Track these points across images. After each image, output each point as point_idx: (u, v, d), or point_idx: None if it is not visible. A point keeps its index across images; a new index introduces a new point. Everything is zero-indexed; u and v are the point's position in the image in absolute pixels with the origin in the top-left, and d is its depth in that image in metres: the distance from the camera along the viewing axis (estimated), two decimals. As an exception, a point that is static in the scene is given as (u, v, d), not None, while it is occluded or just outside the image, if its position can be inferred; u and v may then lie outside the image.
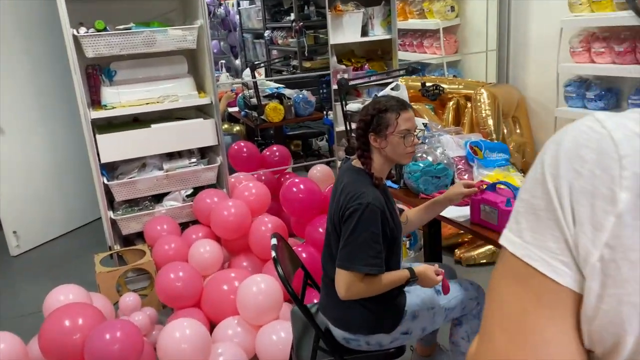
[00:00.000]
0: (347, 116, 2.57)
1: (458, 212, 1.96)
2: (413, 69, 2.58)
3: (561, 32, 3.30)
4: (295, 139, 5.69)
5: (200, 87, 3.39)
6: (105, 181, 3.08)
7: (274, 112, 4.04)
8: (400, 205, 2.07)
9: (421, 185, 2.17)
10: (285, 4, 6.75)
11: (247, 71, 4.33)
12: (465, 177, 2.19)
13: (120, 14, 3.21)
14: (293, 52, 6.55)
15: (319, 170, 4.04)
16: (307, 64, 6.17)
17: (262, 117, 4.09)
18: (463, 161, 2.23)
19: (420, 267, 1.75)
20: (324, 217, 2.88)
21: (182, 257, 2.97)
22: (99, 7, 3.19)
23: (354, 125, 2.57)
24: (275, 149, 4.00)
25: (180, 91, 3.26)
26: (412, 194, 2.23)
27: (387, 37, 3.62)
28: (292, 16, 6.22)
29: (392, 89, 2.45)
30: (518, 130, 3.72)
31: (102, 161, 3.04)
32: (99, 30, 2.94)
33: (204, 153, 3.46)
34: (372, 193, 1.71)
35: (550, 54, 3.55)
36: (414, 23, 4.62)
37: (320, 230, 2.83)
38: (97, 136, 3.01)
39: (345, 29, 3.51)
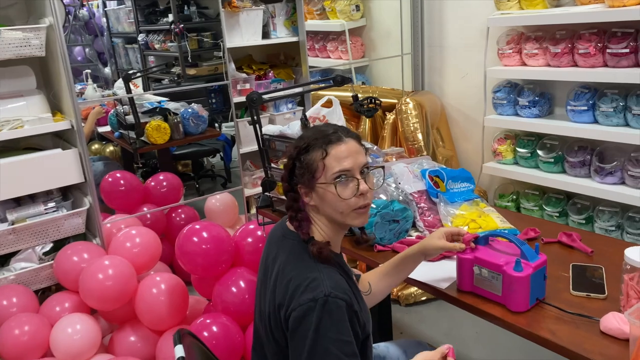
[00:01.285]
0: (265, 141, 1.95)
1: (434, 272, 1.43)
2: (342, 79, 2.03)
3: (488, 32, 2.95)
4: (183, 159, 4.92)
5: (56, 107, 2.56)
6: None
7: (157, 132, 3.28)
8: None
9: (376, 233, 1.62)
10: (161, 4, 5.95)
11: (120, 82, 3.53)
12: (430, 218, 1.68)
13: None
14: (174, 58, 5.76)
15: (220, 200, 3.37)
16: (191, 71, 5.42)
17: (143, 138, 3.32)
18: (424, 197, 1.72)
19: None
20: (236, 272, 2.23)
21: (42, 344, 2.15)
22: None
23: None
24: (161, 177, 3.24)
25: (26, 113, 2.41)
26: (364, 246, 1.67)
27: (294, 39, 3.05)
28: (171, 17, 5.44)
29: (323, 104, 1.87)
30: (441, 143, 3.34)
31: None
32: None
33: (67, 193, 2.63)
34: (329, 276, 1.12)
35: (472, 57, 3.21)
36: (315, 24, 4.11)
37: (234, 289, 2.17)
38: None
39: (244, 30, 2.88)
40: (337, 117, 1.85)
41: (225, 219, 3.39)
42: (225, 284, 2.19)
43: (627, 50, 2.38)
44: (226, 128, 5.38)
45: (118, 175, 3.08)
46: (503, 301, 1.28)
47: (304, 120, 1.77)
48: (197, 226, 2.24)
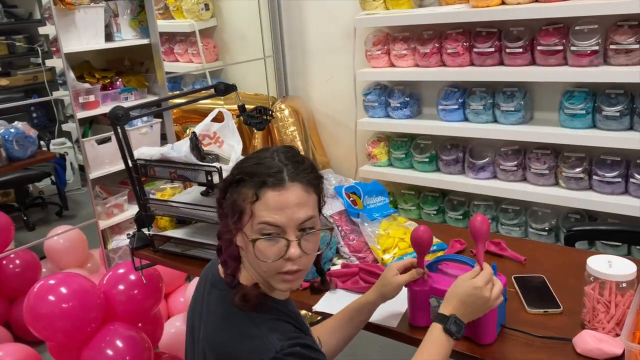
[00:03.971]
0: (140, 168, 1.57)
1: (378, 310, 1.23)
2: (226, 86, 1.73)
3: (355, 33, 2.86)
4: (3, 188, 4.10)
5: None
6: None
7: (-29, 161, 2.60)
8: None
9: (299, 269, 1.37)
10: (-53, -2, 4.94)
11: None
12: (354, 242, 1.48)
13: None
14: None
15: (64, 237, 2.81)
16: (2, 82, 4.59)
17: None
18: (344, 218, 1.51)
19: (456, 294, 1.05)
20: (109, 330, 1.80)
21: None
22: None
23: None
24: (-17, 217, 2.58)
25: None
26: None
27: (144, 41, 2.62)
28: (-33, 17, 4.52)
29: (213, 119, 1.56)
30: (314, 149, 3.19)
31: None
32: None
33: None
34: (269, 328, 0.92)
35: (337, 59, 3.11)
36: (160, 24, 3.67)
37: (110, 352, 1.74)
38: None
39: (82, 32, 2.38)
40: (230, 132, 1.56)
41: (72, 258, 2.85)
42: (97, 347, 1.75)
43: (492, 49, 2.45)
44: (55, 146, 4.62)
45: None
46: (468, 334, 1.14)
47: (194, 140, 1.45)
48: (52, 281, 1.75)
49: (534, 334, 1.13)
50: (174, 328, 2.28)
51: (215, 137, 1.55)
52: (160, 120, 2.73)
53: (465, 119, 2.66)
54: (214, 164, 1.47)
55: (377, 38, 2.82)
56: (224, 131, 1.56)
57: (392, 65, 2.81)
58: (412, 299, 1.19)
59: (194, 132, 1.46)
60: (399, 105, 2.83)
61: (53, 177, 4.18)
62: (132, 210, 2.73)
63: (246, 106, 1.82)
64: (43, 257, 2.86)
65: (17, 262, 2.57)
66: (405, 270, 1.17)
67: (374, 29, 2.86)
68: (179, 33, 3.69)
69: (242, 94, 3.33)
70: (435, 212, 2.88)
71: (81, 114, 2.41)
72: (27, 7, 4.89)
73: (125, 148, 1.62)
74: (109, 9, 2.51)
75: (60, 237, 2.82)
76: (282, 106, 2.73)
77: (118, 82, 2.57)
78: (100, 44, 2.50)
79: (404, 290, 1.19)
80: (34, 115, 4.68)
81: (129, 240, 1.72)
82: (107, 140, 2.53)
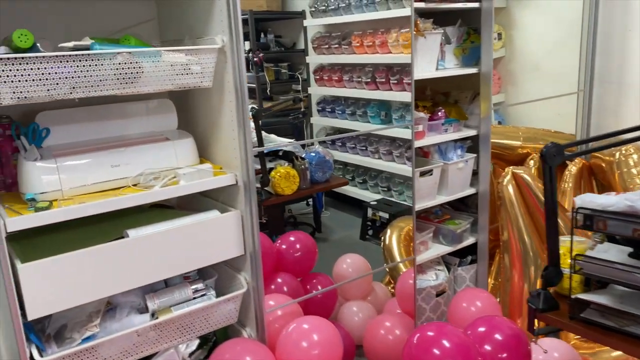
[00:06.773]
0: (586, 218, 1.31)
1: None
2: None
3: None
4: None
5: (204, 154, 1.94)
6: (38, 356, 1.49)
7: (285, 180, 2.66)
8: None
9: None
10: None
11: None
12: None
13: (50, 19, 1.70)
14: (250, 90, 5.22)
15: (349, 263, 2.75)
16: (267, 104, 4.90)
17: (267, 188, 2.69)
18: None
19: None
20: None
21: None
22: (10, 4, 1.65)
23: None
24: (292, 238, 2.60)
25: (174, 163, 1.78)
26: None
27: (472, 70, 2.45)
28: (247, 45, 4.91)
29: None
30: None
31: (31, 317, 1.46)
32: (20, 50, 1.41)
33: (204, 270, 1.97)
34: None
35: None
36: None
37: None
38: (19, 266, 1.43)
39: (420, 58, 2.29)
40: None
41: (357, 288, 2.75)
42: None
43: None
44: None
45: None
46: None
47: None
48: (431, 332, 1.58)
49: None
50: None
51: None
52: (475, 155, 2.52)
53: None
54: None
55: None
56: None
57: None
58: None
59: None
60: None
61: (309, 201, 4.28)
62: (435, 249, 2.55)
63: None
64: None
65: (319, 287, 2.54)
66: None
67: None
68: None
69: (540, 130, 3.03)
70: None
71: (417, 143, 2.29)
72: (292, 37, 5.22)
73: (550, 192, 1.39)
74: (445, 35, 2.38)
75: (347, 263, 2.77)
76: (631, 149, 2.33)
77: (440, 113, 2.43)
78: (432, 72, 2.38)
79: None
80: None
81: (530, 299, 1.48)
82: (427, 172, 2.38)
